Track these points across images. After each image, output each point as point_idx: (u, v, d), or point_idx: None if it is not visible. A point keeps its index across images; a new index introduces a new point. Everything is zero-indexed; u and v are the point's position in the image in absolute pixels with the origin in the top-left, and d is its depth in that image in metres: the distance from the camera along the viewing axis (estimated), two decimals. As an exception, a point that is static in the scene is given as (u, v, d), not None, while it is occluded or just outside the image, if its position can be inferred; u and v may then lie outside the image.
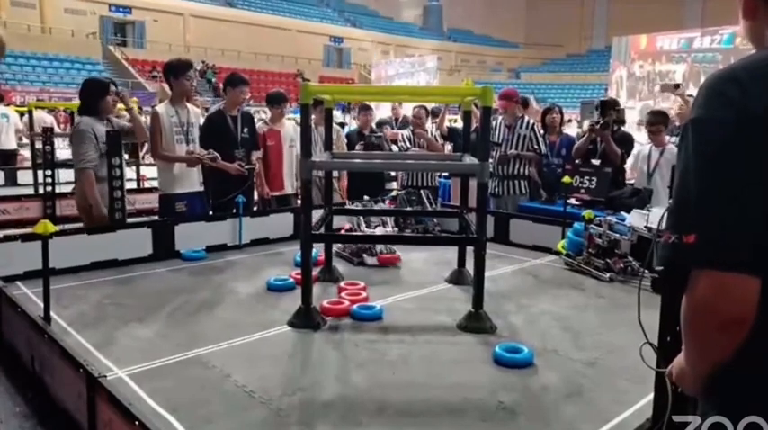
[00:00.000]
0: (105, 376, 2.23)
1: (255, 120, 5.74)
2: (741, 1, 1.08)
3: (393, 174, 7.10)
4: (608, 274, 4.23)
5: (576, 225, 4.55)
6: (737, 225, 0.90)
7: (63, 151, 11.28)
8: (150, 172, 5.07)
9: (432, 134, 6.61)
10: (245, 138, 5.14)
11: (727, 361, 0.96)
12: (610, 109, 5.36)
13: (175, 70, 4.65)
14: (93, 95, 4.37)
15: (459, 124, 6.48)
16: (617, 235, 4.26)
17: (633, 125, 10.21)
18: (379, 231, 5.12)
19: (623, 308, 3.58)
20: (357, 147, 6.24)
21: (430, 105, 7.38)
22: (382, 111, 14.09)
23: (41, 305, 3.02)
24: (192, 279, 4.19)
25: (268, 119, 5.92)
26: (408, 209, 5.52)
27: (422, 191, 5.79)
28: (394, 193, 5.93)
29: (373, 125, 7.35)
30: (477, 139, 4.31)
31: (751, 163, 0.90)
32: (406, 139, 6.54)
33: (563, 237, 4.72)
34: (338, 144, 5.94)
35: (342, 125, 9.28)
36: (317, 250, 4.09)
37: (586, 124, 7.15)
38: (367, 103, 7.06)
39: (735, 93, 0.93)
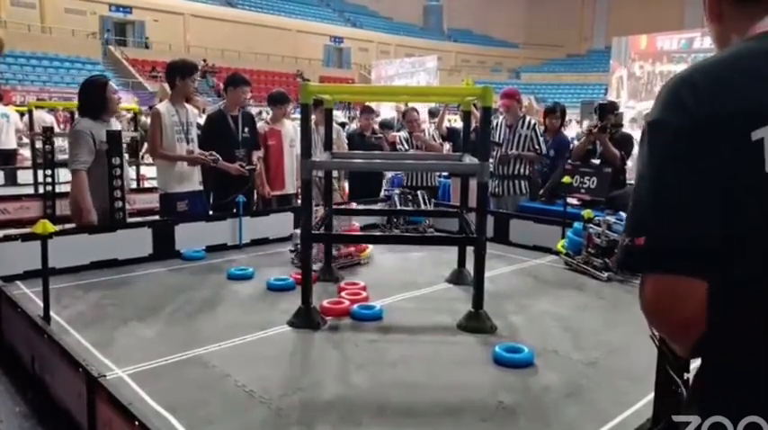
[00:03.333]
0: (105, 376, 2.23)
1: (256, 119, 5.74)
2: (707, 5, 1.07)
3: (388, 175, 7.11)
4: (606, 274, 4.23)
5: (575, 225, 4.55)
6: (684, 229, 0.89)
7: (63, 151, 11.28)
8: (150, 172, 5.05)
9: (430, 134, 6.61)
10: (246, 138, 5.14)
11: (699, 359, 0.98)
12: (608, 112, 5.39)
13: (183, 71, 4.65)
14: (94, 95, 4.25)
15: (459, 124, 6.48)
16: (615, 235, 4.26)
17: (628, 124, 10.29)
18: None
19: (624, 308, 3.58)
20: None
21: (427, 105, 7.37)
22: (384, 111, 14.09)
23: (41, 305, 3.02)
24: (192, 279, 4.19)
25: (269, 118, 5.92)
26: (407, 208, 5.51)
27: (419, 191, 5.78)
28: (383, 194, 5.93)
29: (376, 126, 7.36)
30: (477, 139, 4.31)
31: (701, 167, 0.89)
32: (403, 141, 6.53)
33: (563, 237, 4.72)
34: (338, 143, 5.94)
35: (343, 125, 9.28)
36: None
37: (586, 124, 7.16)
38: (369, 105, 7.06)
39: (689, 96, 0.92)
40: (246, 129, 5.16)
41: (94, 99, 4.25)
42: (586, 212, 4.39)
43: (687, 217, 0.89)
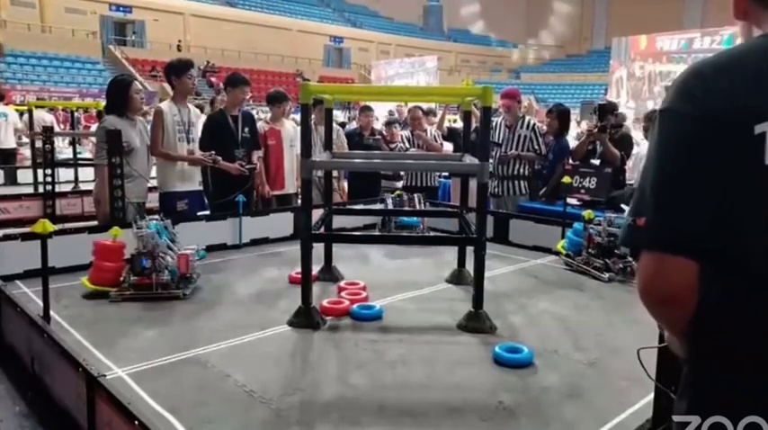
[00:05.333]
0: (105, 375, 2.23)
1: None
2: (733, 1, 1.11)
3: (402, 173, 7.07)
4: (607, 274, 4.23)
5: (576, 225, 4.55)
6: (682, 212, 0.95)
7: (63, 150, 11.27)
8: (151, 171, 5.08)
9: (431, 134, 6.61)
10: (246, 138, 5.13)
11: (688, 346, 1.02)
12: (608, 113, 5.40)
13: (177, 69, 4.66)
14: (118, 94, 4.46)
15: (460, 124, 6.47)
16: (616, 229, 4.22)
17: (629, 123, 10.27)
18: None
19: (624, 308, 3.58)
20: None
21: (425, 105, 7.35)
22: (385, 111, 14.06)
23: (41, 304, 3.02)
24: (191, 278, 4.18)
25: (268, 118, 5.93)
26: (404, 209, 5.50)
27: (416, 194, 5.72)
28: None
29: (376, 126, 7.34)
30: (477, 139, 4.31)
31: (703, 156, 0.94)
32: (405, 140, 6.53)
33: (563, 238, 4.72)
34: (338, 143, 5.94)
35: (342, 125, 9.28)
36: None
37: (584, 124, 7.16)
38: (368, 104, 7.04)
39: (698, 88, 0.97)
40: (247, 129, 5.15)
41: (119, 97, 4.46)
42: (587, 213, 4.38)
43: (686, 202, 0.94)
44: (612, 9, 45.54)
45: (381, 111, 13.82)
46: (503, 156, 5.64)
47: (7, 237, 4.06)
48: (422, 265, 4.64)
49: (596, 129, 5.33)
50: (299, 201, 5.13)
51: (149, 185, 4.77)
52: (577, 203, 5.24)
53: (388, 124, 7.16)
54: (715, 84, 0.96)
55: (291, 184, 5.72)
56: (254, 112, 6.21)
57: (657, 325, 1.47)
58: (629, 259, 4.21)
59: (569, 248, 4.56)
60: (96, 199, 4.58)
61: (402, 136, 6.73)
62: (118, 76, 4.85)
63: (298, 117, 6.16)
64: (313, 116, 5.68)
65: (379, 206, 5.74)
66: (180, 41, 34.05)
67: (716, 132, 0.93)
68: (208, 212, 5.09)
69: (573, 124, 12.58)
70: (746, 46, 1.02)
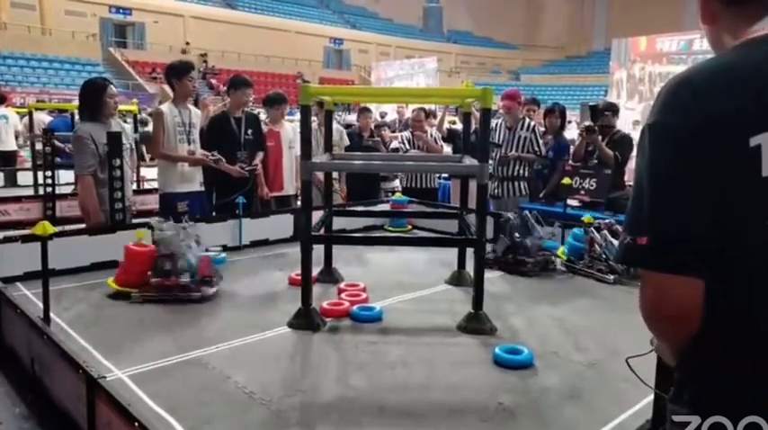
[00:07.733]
0: (105, 377, 2.23)
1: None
2: (700, 7, 1.10)
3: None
4: (612, 276, 4.20)
5: (575, 230, 4.51)
6: (683, 230, 0.93)
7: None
8: (150, 173, 5.06)
9: (431, 135, 6.62)
10: (249, 140, 5.14)
11: (688, 352, 1.00)
12: (600, 114, 5.43)
13: (178, 71, 4.66)
14: (90, 98, 4.24)
15: (459, 126, 6.48)
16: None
17: (630, 125, 10.29)
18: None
19: (624, 310, 3.58)
20: None
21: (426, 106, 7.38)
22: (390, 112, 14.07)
23: (41, 306, 3.02)
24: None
25: (267, 120, 5.93)
26: (410, 210, 5.50)
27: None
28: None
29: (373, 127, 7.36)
30: (476, 141, 4.31)
31: (700, 171, 0.92)
32: (405, 141, 6.54)
33: (563, 238, 4.71)
34: (340, 145, 5.95)
35: (348, 126, 9.27)
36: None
37: (586, 123, 7.18)
38: (366, 105, 7.06)
39: (687, 98, 0.95)
40: (250, 131, 5.16)
41: (91, 101, 4.25)
42: (587, 218, 4.37)
43: (686, 218, 0.93)
44: (612, 10, 45.54)
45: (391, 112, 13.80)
46: (503, 158, 5.65)
47: (7, 239, 4.05)
48: (422, 267, 4.63)
49: (586, 131, 5.37)
50: (299, 203, 5.13)
51: (147, 187, 4.76)
52: (577, 204, 5.25)
53: (377, 127, 7.18)
54: (704, 92, 0.94)
55: (290, 186, 5.72)
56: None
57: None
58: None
59: (569, 254, 4.53)
60: (82, 209, 4.27)
61: (402, 137, 6.74)
62: (93, 79, 4.59)
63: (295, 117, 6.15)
64: (315, 118, 5.72)
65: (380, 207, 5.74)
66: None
67: (709, 143, 0.91)
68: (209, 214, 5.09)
69: (573, 125, 12.63)
70: (732, 54, 1.01)
